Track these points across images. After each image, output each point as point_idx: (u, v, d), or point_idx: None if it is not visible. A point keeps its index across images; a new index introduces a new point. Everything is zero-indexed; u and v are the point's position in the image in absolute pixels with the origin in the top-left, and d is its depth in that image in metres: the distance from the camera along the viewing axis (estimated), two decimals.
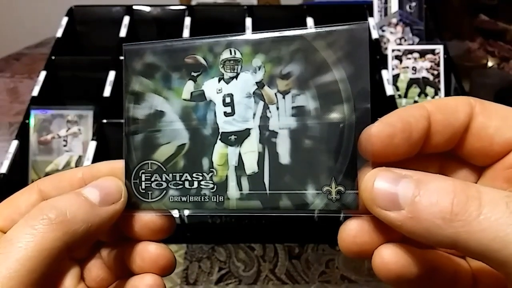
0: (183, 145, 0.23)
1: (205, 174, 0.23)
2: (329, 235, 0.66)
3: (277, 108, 0.22)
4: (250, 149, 0.22)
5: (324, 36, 0.21)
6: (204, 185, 0.23)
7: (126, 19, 0.83)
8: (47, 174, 0.69)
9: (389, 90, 0.72)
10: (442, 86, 0.75)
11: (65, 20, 0.84)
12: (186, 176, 0.23)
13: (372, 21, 0.81)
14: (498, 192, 0.18)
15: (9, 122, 0.86)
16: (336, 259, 0.63)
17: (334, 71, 0.21)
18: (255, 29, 0.81)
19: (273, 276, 0.61)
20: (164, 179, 0.23)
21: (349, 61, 0.21)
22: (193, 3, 1.08)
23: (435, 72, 0.75)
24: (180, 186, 0.23)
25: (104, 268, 0.26)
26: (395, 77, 0.76)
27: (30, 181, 0.69)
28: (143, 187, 0.24)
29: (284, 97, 0.22)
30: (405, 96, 0.76)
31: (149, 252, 0.24)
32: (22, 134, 0.70)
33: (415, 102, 0.75)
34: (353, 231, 0.21)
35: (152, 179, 0.24)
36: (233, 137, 0.23)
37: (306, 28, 0.21)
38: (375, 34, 0.79)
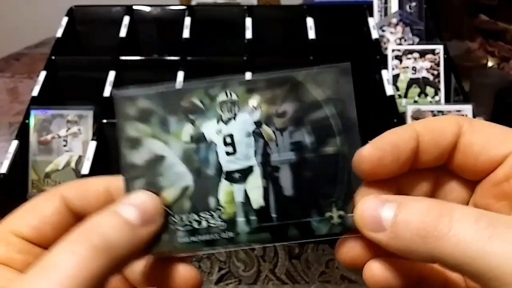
0: (188, 187, 0.23)
1: (212, 212, 0.23)
2: None
3: (277, 145, 0.23)
4: (255, 185, 0.23)
5: (313, 77, 0.23)
6: (213, 224, 0.23)
7: (126, 19, 0.83)
8: (47, 174, 0.69)
9: (389, 90, 0.72)
10: (442, 86, 0.75)
11: (65, 20, 0.84)
12: (194, 216, 0.23)
13: (372, 21, 0.81)
14: (470, 209, 0.20)
15: (9, 122, 0.86)
16: (336, 259, 0.63)
17: (325, 108, 0.23)
18: (255, 29, 0.81)
19: (273, 276, 0.61)
20: (171, 221, 0.23)
21: (337, 99, 0.23)
22: (193, 3, 1.08)
23: (435, 72, 0.75)
24: (189, 227, 0.23)
25: (123, 281, 0.25)
26: (395, 77, 0.76)
27: (30, 181, 0.69)
28: None
29: (282, 134, 0.23)
30: (405, 96, 0.76)
31: (178, 273, 0.23)
32: (22, 134, 0.70)
33: (415, 102, 0.75)
34: (346, 248, 0.23)
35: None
36: (237, 175, 0.24)
37: (296, 70, 0.23)
38: (375, 34, 0.79)
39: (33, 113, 0.71)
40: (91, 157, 0.65)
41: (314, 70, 0.23)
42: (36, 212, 0.23)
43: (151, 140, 0.24)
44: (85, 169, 0.64)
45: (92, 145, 0.67)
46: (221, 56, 0.78)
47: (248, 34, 0.80)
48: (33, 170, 0.70)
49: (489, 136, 0.23)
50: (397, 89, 0.76)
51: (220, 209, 0.23)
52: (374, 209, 0.22)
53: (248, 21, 0.81)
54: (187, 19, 0.82)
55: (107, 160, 0.71)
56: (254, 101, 0.23)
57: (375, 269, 0.23)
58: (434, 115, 0.68)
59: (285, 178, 0.23)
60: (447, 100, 0.74)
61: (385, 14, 0.82)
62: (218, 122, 0.23)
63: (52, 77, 0.77)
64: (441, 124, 0.23)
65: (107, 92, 0.72)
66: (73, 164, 0.70)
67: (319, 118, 0.23)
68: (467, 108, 0.68)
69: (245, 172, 0.23)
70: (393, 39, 0.81)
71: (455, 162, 0.23)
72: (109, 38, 0.81)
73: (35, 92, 0.73)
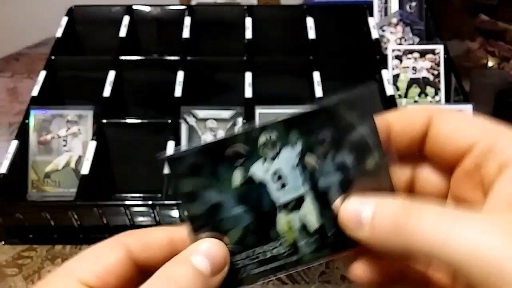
0: (248, 225, 0.26)
1: (275, 243, 0.26)
2: None
3: (321, 170, 0.26)
4: (309, 210, 0.26)
5: (344, 102, 0.25)
6: (278, 252, 0.26)
7: (126, 19, 0.83)
8: (46, 174, 0.69)
9: (389, 90, 0.72)
10: (442, 86, 0.75)
11: (65, 20, 0.84)
12: (259, 250, 0.26)
13: (372, 21, 0.81)
14: (435, 208, 0.22)
15: (9, 122, 0.86)
16: (336, 259, 0.63)
17: (359, 128, 0.25)
18: (255, 29, 0.81)
19: None
20: (239, 259, 0.26)
21: (369, 117, 0.25)
22: (193, 3, 1.08)
23: (435, 72, 0.75)
24: (256, 260, 0.26)
25: None
26: (395, 77, 0.76)
27: (29, 181, 0.69)
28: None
29: (324, 159, 0.25)
30: (405, 96, 0.76)
31: None
32: (22, 134, 0.70)
33: (415, 102, 0.75)
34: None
35: (230, 261, 0.25)
36: (291, 205, 0.26)
37: (327, 99, 0.25)
38: (375, 34, 0.79)
39: (33, 113, 0.71)
40: (91, 157, 0.65)
41: (344, 97, 0.25)
42: (100, 261, 0.23)
43: (206, 191, 0.25)
44: (85, 169, 0.64)
45: (92, 145, 0.67)
46: (221, 56, 0.78)
47: (248, 34, 0.80)
48: (33, 170, 0.69)
49: (456, 126, 0.24)
50: (397, 89, 0.76)
51: (281, 239, 0.26)
52: (355, 210, 0.24)
53: (248, 21, 0.81)
54: (187, 19, 0.82)
55: (107, 160, 0.71)
56: (293, 136, 0.25)
57: (357, 269, 0.25)
58: None
59: (335, 198, 0.26)
60: (447, 100, 0.74)
61: (385, 14, 0.82)
62: (263, 162, 0.25)
63: (52, 77, 0.77)
64: (412, 114, 0.25)
65: (107, 92, 0.72)
66: (73, 164, 0.70)
67: (355, 138, 0.25)
68: (467, 108, 0.68)
69: (298, 201, 0.26)
70: (393, 39, 0.81)
71: (426, 151, 0.25)
72: (109, 38, 0.81)
73: (35, 92, 0.73)
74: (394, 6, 0.82)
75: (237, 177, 0.25)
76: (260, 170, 0.25)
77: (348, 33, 0.85)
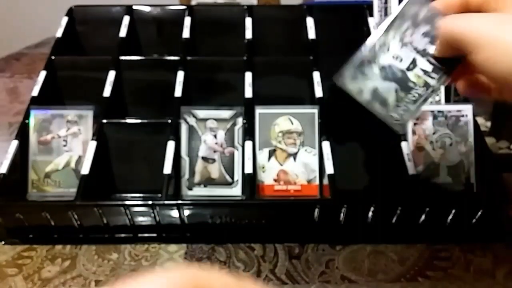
0: (397, 89, 0.47)
1: (415, 88, 0.46)
2: (329, 235, 0.66)
3: (415, 40, 0.47)
4: (420, 62, 0.46)
5: (409, 3, 0.46)
6: (420, 92, 0.47)
7: (126, 19, 0.83)
8: (47, 174, 0.69)
9: None
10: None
11: (65, 20, 0.84)
12: (409, 96, 0.47)
13: (372, 21, 0.81)
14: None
15: (9, 122, 0.87)
16: (336, 259, 0.63)
17: (423, 10, 0.46)
18: (255, 29, 0.81)
19: (273, 276, 0.61)
20: (402, 105, 0.49)
21: (426, 3, 0.45)
22: (193, 3, 1.08)
23: None
24: (412, 101, 0.47)
25: None
26: None
27: (29, 181, 0.69)
28: None
29: (412, 35, 0.47)
30: None
31: None
32: (22, 134, 0.70)
33: None
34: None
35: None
36: (411, 66, 0.46)
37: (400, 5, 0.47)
38: None
39: (33, 113, 0.71)
40: (91, 157, 0.65)
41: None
42: None
43: (365, 85, 0.47)
44: (85, 169, 0.64)
45: (92, 145, 0.67)
46: (221, 56, 0.78)
47: (248, 34, 0.80)
48: (33, 170, 0.70)
49: None
50: None
51: (417, 85, 0.46)
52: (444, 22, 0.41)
53: (248, 21, 0.81)
54: (187, 19, 0.82)
55: (107, 160, 0.71)
56: (391, 34, 0.46)
57: (459, 84, 0.47)
58: (434, 116, 0.68)
59: (431, 48, 0.45)
60: (447, 100, 0.74)
61: (385, 14, 0.82)
62: (384, 55, 0.47)
63: (52, 77, 0.77)
64: None
65: (107, 92, 0.72)
66: (73, 164, 0.70)
67: (423, 16, 0.45)
68: (467, 108, 0.68)
69: (413, 62, 0.46)
70: None
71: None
72: (109, 38, 0.81)
73: (35, 92, 0.73)
74: (394, 6, 0.82)
75: (376, 69, 0.46)
76: (384, 59, 0.46)
77: (348, 33, 0.85)
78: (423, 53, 0.45)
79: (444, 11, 0.41)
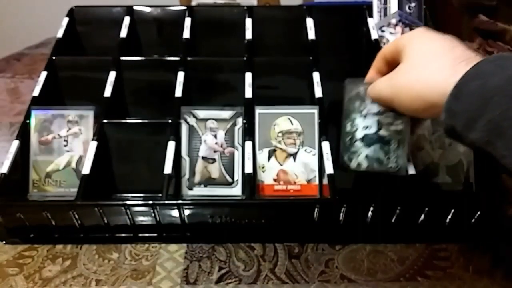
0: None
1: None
2: (329, 234, 0.66)
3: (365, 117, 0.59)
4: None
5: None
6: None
7: (127, 20, 0.83)
8: (47, 174, 0.70)
9: None
10: None
11: (65, 20, 0.84)
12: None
13: (371, 22, 0.81)
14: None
15: (10, 122, 0.87)
16: (336, 258, 0.64)
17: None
18: (255, 29, 0.81)
19: (273, 275, 0.62)
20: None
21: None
22: (193, 3, 1.08)
23: None
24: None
25: None
26: None
27: (30, 181, 0.69)
28: None
29: (361, 112, 0.59)
30: None
31: None
32: (23, 134, 0.70)
33: None
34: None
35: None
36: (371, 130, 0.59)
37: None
38: (374, 35, 0.80)
39: (34, 113, 0.71)
40: (92, 157, 0.66)
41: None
42: None
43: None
44: (86, 169, 0.65)
45: (93, 145, 0.67)
46: (221, 56, 0.78)
47: (248, 35, 0.80)
48: (33, 170, 0.70)
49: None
50: None
51: (391, 135, 0.58)
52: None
53: (248, 22, 0.82)
54: (187, 20, 0.83)
55: (108, 160, 0.71)
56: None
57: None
58: None
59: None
60: None
61: (385, 14, 0.83)
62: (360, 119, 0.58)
63: (53, 77, 0.77)
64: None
65: (107, 92, 0.72)
66: (73, 164, 0.70)
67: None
68: None
69: (378, 123, 0.57)
70: (392, 40, 0.81)
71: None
72: (109, 39, 0.82)
73: (35, 92, 0.74)
74: (393, 6, 0.82)
75: (358, 142, 0.58)
76: (359, 133, 0.58)
77: (347, 34, 0.85)
78: (381, 113, 0.56)
79: (371, 80, 0.56)
